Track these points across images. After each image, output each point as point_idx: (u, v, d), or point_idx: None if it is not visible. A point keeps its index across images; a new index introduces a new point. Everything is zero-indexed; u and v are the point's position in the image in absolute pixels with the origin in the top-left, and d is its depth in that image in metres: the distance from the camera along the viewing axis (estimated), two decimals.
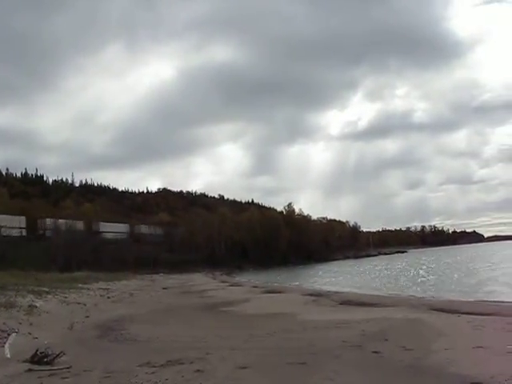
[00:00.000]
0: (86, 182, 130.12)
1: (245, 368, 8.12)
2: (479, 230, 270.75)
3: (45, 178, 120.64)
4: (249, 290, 34.76)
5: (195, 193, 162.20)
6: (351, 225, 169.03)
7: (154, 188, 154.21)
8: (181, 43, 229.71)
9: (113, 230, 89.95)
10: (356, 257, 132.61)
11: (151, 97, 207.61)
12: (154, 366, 8.36)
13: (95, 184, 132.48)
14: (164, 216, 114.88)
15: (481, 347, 9.19)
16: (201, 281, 53.69)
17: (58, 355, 8.98)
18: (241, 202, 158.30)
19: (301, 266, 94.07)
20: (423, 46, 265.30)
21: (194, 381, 7.35)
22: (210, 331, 13.59)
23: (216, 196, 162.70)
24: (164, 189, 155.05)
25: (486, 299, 19.80)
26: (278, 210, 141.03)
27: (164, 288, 39.14)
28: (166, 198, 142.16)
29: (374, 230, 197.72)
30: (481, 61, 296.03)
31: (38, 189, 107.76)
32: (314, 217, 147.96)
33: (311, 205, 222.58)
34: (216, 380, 7.38)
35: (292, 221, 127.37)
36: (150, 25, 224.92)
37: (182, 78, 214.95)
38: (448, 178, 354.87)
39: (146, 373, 7.89)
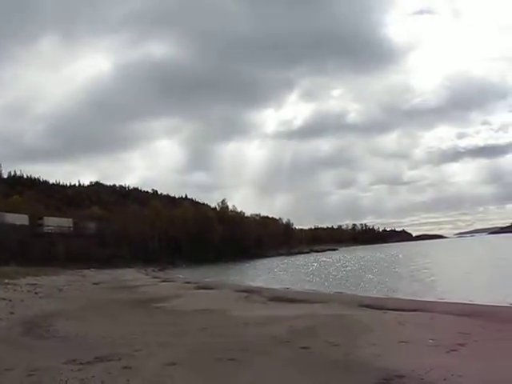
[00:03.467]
0: (15, 174, 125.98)
1: (173, 364, 8.08)
2: (408, 229, 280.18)
3: None
4: (181, 285, 34.58)
5: (128, 187, 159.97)
6: (284, 222, 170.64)
7: (86, 182, 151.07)
8: (118, 37, 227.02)
9: (43, 223, 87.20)
10: (288, 254, 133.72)
11: (87, 90, 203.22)
12: (81, 363, 8.19)
13: (25, 176, 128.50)
14: (96, 210, 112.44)
15: (405, 342, 9.52)
16: (133, 276, 52.98)
17: None
18: (174, 198, 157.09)
19: (234, 263, 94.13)
20: (360, 50, 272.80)
21: (121, 377, 7.25)
22: (141, 327, 13.41)
23: (150, 191, 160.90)
24: (96, 182, 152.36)
25: (411, 296, 20.39)
26: (212, 206, 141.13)
27: (95, 283, 38.37)
28: (98, 192, 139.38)
29: (307, 228, 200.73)
30: (413, 67, 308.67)
31: None
32: (248, 214, 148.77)
33: (245, 202, 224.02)
34: (143, 377, 7.31)
35: (225, 217, 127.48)
36: (87, 18, 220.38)
37: (118, 72, 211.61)
38: (379, 178, 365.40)
39: (72, 370, 7.72)
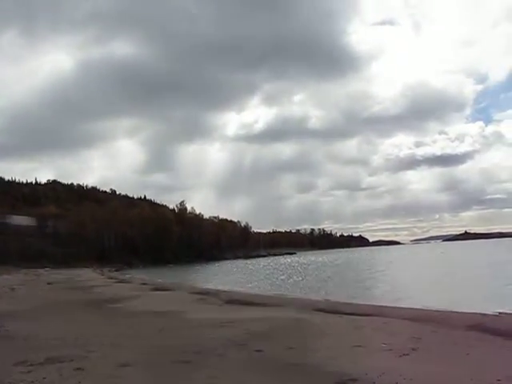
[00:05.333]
0: None
1: (127, 366, 7.99)
2: (365, 235, 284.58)
3: None
4: (137, 287, 34.24)
5: (86, 186, 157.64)
6: (243, 225, 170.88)
7: (43, 179, 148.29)
8: (81, 35, 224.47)
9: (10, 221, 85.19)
10: (246, 257, 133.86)
11: (48, 87, 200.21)
12: (32, 365, 8.02)
13: None
14: (52, 209, 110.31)
15: (359, 346, 9.63)
16: (88, 276, 52.25)
17: None
18: (133, 198, 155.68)
19: (191, 265, 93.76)
20: (323, 57, 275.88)
21: (72, 379, 7.13)
22: (95, 328, 13.24)
23: (108, 191, 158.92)
24: (54, 181, 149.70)
25: (366, 301, 20.63)
26: (171, 207, 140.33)
27: (49, 283, 37.71)
28: (55, 190, 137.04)
29: (265, 231, 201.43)
30: (374, 75, 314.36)
31: None
32: (207, 216, 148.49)
33: (205, 204, 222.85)
34: (95, 378, 7.21)
35: (184, 219, 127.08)
36: (49, 14, 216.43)
37: (80, 69, 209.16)
38: (338, 184, 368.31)
39: (22, 372, 7.55)
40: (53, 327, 13.73)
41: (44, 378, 7.14)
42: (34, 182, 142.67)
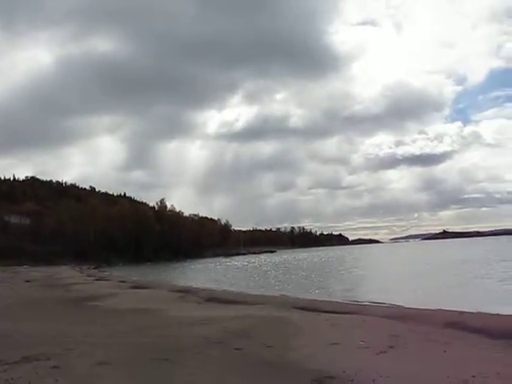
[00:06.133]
0: None
1: (105, 364, 7.91)
2: (345, 233, 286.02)
3: None
4: (116, 284, 34.09)
5: (66, 183, 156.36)
6: (223, 223, 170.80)
7: (21, 176, 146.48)
8: (61, 31, 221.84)
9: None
10: (226, 255, 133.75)
11: (27, 82, 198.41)
12: (7, 364, 7.89)
13: None
14: (31, 206, 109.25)
15: (337, 344, 9.68)
16: (67, 274, 51.86)
17: None
18: (112, 195, 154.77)
19: (171, 262, 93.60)
20: (304, 57, 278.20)
21: (49, 377, 7.04)
22: (73, 326, 13.11)
23: (87, 188, 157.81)
24: (32, 177, 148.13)
25: (345, 299, 20.74)
26: (151, 205, 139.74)
27: (27, 281, 37.35)
28: (34, 187, 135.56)
29: (245, 230, 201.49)
30: (355, 75, 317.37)
31: None
32: (187, 214, 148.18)
33: (185, 202, 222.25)
34: (73, 377, 7.13)
35: (163, 217, 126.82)
36: (27, 8, 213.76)
37: (60, 66, 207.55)
38: (318, 182, 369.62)
39: None
40: (30, 325, 13.58)
41: (20, 377, 7.04)
42: (12, 178, 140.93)
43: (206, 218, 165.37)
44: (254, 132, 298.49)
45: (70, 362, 8.02)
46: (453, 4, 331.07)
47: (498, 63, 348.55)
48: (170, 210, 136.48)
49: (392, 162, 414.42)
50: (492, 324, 11.85)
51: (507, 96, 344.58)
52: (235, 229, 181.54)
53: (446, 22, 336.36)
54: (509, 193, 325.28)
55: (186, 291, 25.54)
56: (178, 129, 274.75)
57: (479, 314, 14.40)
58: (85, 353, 8.90)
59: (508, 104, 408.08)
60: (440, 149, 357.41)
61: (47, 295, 25.12)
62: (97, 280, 40.63)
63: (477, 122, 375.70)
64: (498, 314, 13.86)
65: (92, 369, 7.60)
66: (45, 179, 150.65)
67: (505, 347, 9.22)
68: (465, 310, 14.92)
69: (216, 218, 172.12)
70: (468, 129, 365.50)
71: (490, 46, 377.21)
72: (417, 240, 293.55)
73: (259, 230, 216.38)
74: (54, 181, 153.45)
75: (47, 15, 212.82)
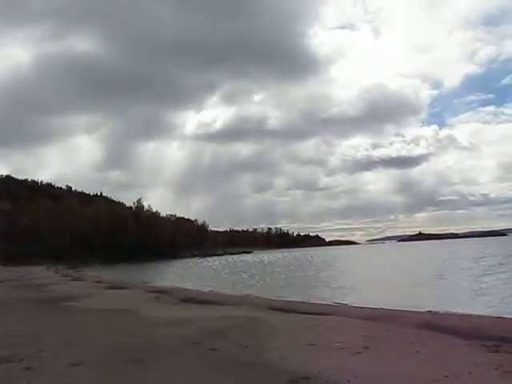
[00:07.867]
0: None
1: (79, 365, 7.85)
2: (321, 235, 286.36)
3: None
4: (92, 285, 33.78)
5: (41, 182, 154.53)
6: (200, 224, 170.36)
7: None
8: (38, 29, 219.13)
9: None
10: (203, 255, 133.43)
11: (4, 80, 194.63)
12: None
13: None
14: (5, 204, 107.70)
15: (313, 344, 9.71)
16: (42, 274, 51.29)
17: None
18: (89, 195, 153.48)
19: (147, 263, 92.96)
20: (283, 58, 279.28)
21: (22, 379, 6.98)
22: (47, 327, 12.98)
23: (64, 187, 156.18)
24: (7, 176, 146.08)
25: (321, 300, 20.82)
26: (128, 205, 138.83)
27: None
28: (8, 186, 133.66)
29: (222, 230, 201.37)
30: (333, 78, 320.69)
31: None
32: (164, 214, 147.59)
33: (162, 202, 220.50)
34: (46, 378, 7.06)
35: (140, 217, 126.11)
36: (5, 6, 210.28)
37: (37, 64, 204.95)
38: (295, 184, 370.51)
39: None
40: (1, 326, 13.41)
41: None
42: None
43: (183, 218, 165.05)
44: (232, 133, 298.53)
45: (43, 363, 7.95)
46: (429, 11, 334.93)
47: (472, 68, 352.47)
48: (147, 210, 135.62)
49: (369, 164, 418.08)
50: (464, 324, 12.03)
51: (481, 100, 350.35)
52: (212, 229, 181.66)
53: (423, 27, 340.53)
54: (482, 195, 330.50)
55: (161, 291, 25.44)
56: (155, 129, 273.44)
57: (452, 314, 14.60)
58: (58, 354, 8.82)
59: (482, 108, 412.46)
60: (416, 151, 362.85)
61: (20, 295, 24.79)
62: (72, 280, 40.21)
63: (452, 125, 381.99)
64: (469, 315, 14.07)
65: (65, 370, 7.54)
66: (20, 178, 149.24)
67: (476, 347, 9.35)
68: (438, 311, 15.13)
69: (193, 219, 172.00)
70: (443, 132, 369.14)
71: (465, 52, 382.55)
72: (393, 241, 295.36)
73: (236, 231, 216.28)
74: (29, 180, 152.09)
75: (24, 13, 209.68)
